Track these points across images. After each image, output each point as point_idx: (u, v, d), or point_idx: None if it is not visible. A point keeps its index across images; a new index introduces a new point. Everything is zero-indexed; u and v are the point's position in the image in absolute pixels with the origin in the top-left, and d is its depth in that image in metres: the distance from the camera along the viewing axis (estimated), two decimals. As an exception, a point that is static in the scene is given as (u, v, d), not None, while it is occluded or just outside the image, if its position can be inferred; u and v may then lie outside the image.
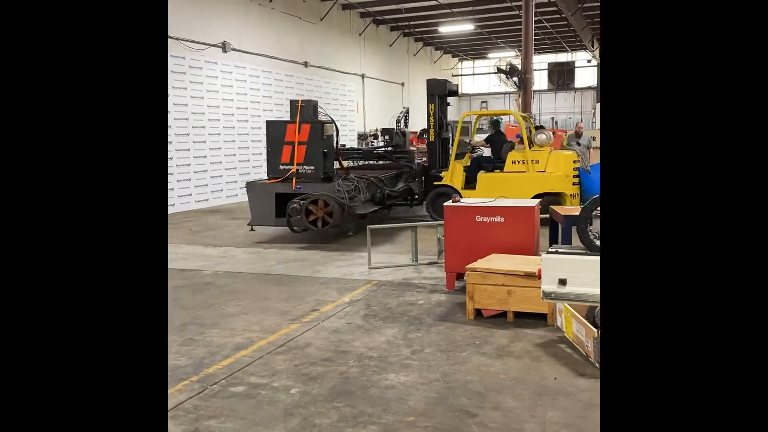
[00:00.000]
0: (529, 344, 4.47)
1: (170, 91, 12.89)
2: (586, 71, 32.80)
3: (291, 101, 9.04)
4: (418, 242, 7.59)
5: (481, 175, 10.18)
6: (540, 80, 32.52)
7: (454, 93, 11.52)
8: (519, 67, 13.28)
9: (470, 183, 10.24)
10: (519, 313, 4.97)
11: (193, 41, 13.73)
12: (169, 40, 12.96)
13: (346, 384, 3.84)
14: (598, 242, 2.30)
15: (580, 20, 22.02)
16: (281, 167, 8.64)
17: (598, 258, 2.23)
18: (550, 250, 2.43)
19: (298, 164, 8.56)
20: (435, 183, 10.52)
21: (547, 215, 6.95)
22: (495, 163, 10.44)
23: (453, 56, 32.49)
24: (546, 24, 23.59)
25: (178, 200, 13.51)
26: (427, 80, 11.01)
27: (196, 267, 7.58)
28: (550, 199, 9.41)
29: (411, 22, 23.74)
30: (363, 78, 22.50)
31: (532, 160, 9.92)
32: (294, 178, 8.54)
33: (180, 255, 8.35)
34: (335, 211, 8.28)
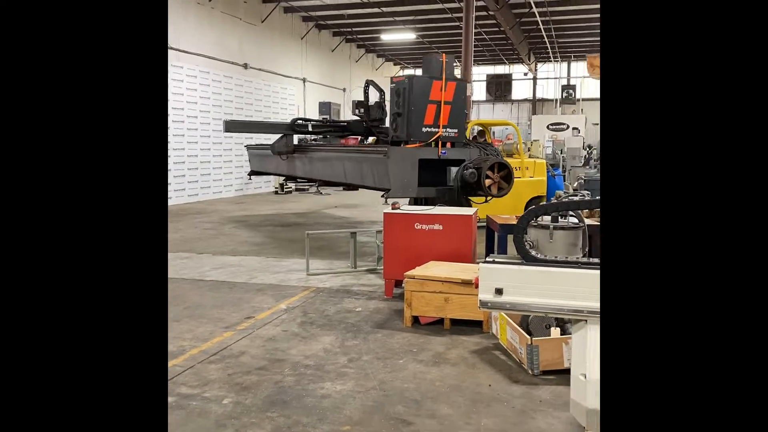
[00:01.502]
0: (465, 351, 4.51)
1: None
2: (523, 84, 33.80)
3: (427, 57, 7.65)
4: (359, 248, 7.57)
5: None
6: (479, 91, 33.28)
7: None
8: (459, 76, 13.50)
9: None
10: (456, 320, 5.02)
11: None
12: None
13: (280, 393, 3.75)
14: (533, 252, 2.33)
15: (518, 34, 22.68)
16: (424, 129, 7.22)
17: (533, 268, 2.28)
18: (487, 259, 2.45)
19: (443, 126, 7.29)
20: None
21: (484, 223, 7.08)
22: None
23: (395, 64, 32.76)
24: (485, 36, 24.16)
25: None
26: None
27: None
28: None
29: (353, 29, 23.79)
30: (304, 82, 22.34)
31: (526, 167, 10.52)
32: (440, 142, 7.30)
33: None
34: (510, 177, 7.50)
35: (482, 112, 33.81)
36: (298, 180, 11.23)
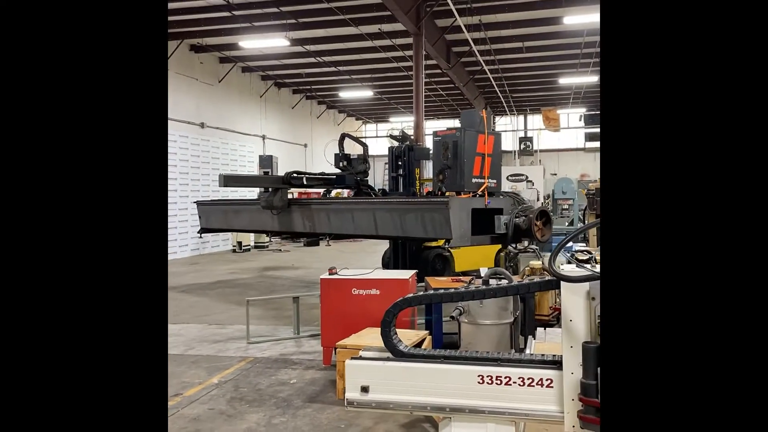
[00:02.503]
0: (394, 425, 4.37)
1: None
2: (483, 136, 34.53)
3: (467, 112, 8.09)
4: (309, 312, 7.42)
5: None
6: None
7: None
8: (411, 134, 13.70)
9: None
10: (389, 391, 4.89)
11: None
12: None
13: (191, 484, 3.54)
14: (401, 345, 2.27)
15: (473, 90, 23.32)
16: (474, 180, 7.50)
17: (397, 364, 2.22)
18: (355, 356, 2.37)
19: (488, 177, 7.66)
20: (426, 245, 10.35)
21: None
22: None
23: (356, 119, 33.26)
24: (441, 92, 24.78)
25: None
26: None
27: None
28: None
29: (312, 86, 24.16)
30: (264, 139, 22.44)
31: None
32: (486, 193, 7.61)
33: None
34: (550, 223, 7.71)
35: (444, 164, 34.27)
36: (286, 236, 11.28)
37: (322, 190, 10.24)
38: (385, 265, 11.25)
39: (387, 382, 2.10)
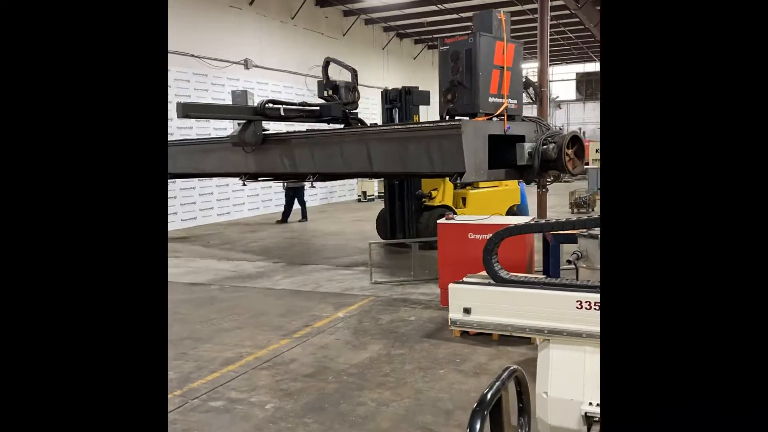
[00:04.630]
0: (508, 362, 4.52)
1: (192, 109, 13.28)
2: (616, 80, 32.36)
3: (480, 14, 6.35)
4: (430, 257, 7.71)
5: (471, 193, 10.00)
6: (567, 90, 32.29)
7: None
8: (535, 80, 13.25)
9: (455, 200, 9.94)
10: (504, 331, 5.04)
11: (215, 59, 14.15)
12: (191, 58, 13.43)
13: (320, 400, 3.96)
14: (503, 272, 2.38)
15: (605, 30, 21.79)
16: (491, 100, 5.92)
17: (498, 289, 2.33)
18: (459, 280, 2.53)
19: (507, 97, 6.12)
20: (426, 204, 9.51)
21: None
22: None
23: (480, 67, 32.54)
24: (570, 34, 23.46)
25: (200, 213, 13.89)
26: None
27: (205, 281, 7.82)
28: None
29: (434, 36, 23.91)
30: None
31: None
32: (505, 115, 6.05)
33: (191, 269, 8.63)
34: (583, 153, 6.43)
35: (572, 112, 32.77)
36: (263, 178, 9.20)
37: (304, 126, 8.29)
38: (380, 228, 10.17)
39: (488, 305, 2.25)
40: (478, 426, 1.40)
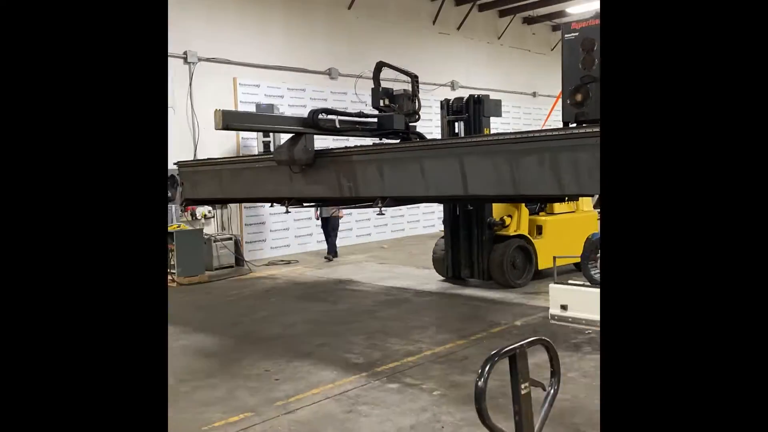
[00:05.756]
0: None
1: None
2: None
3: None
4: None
5: (548, 220, 8.59)
6: None
7: None
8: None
9: (529, 228, 8.54)
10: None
11: (423, 83, 15.27)
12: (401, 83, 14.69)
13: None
14: (597, 276, 2.66)
15: None
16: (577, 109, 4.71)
17: (588, 289, 2.57)
18: (558, 281, 2.86)
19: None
20: (498, 233, 8.15)
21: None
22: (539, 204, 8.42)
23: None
24: None
25: (408, 225, 15.06)
26: None
27: (404, 285, 8.69)
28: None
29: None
30: (598, 103, 21.99)
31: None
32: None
33: (394, 274, 9.63)
34: None
35: None
36: (315, 204, 7.57)
37: (361, 141, 6.83)
38: (439, 264, 8.70)
39: (582, 303, 2.55)
40: (487, 368, 1.95)
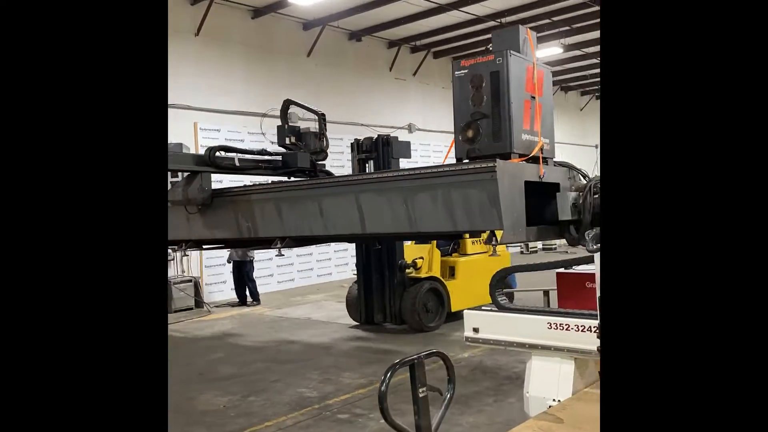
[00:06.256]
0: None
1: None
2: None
3: (499, 32, 4.78)
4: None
5: (461, 261, 8.58)
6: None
7: None
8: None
9: (442, 270, 8.50)
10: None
11: (381, 126, 15.84)
12: (360, 126, 15.24)
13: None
14: (504, 302, 3.10)
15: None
16: (524, 137, 4.55)
17: (495, 314, 2.98)
18: (471, 308, 3.33)
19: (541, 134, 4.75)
20: (411, 276, 8.04)
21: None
22: (451, 243, 8.43)
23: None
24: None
25: (335, 269, 15.35)
26: None
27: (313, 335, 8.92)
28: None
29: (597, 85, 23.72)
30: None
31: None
32: (540, 157, 4.65)
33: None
34: None
35: None
36: (206, 246, 7.17)
37: (263, 178, 6.48)
38: (352, 308, 8.55)
39: (491, 326, 2.94)
40: (388, 375, 2.29)
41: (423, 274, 8.03)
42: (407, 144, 7.86)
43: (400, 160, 7.98)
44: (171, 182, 6.03)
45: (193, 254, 11.42)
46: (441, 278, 8.16)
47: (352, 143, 8.32)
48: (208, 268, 11.93)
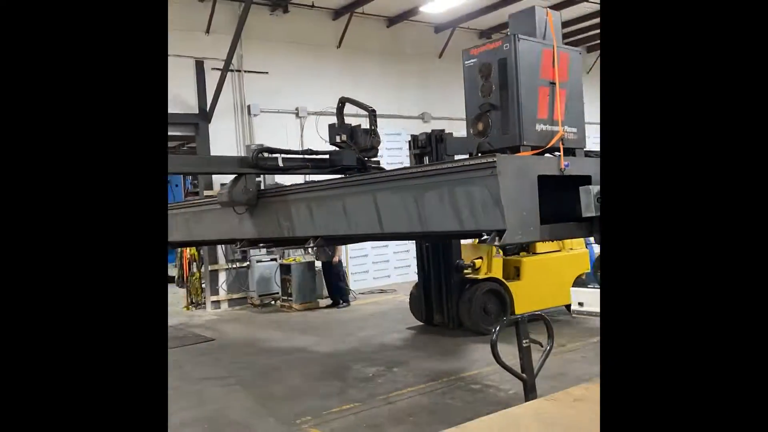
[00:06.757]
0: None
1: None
2: None
3: (518, 15, 4.52)
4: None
5: (526, 261, 7.96)
6: None
7: None
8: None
9: (506, 270, 8.00)
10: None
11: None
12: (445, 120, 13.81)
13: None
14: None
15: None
16: (539, 127, 4.18)
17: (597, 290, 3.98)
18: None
19: (563, 123, 4.35)
20: (467, 276, 7.65)
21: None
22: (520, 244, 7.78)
23: None
24: None
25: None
26: None
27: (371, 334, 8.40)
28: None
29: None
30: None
31: None
32: (562, 148, 4.20)
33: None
34: None
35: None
36: (262, 245, 7.38)
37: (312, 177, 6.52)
38: (414, 306, 8.36)
39: (594, 300, 3.65)
40: (497, 328, 3.47)
41: (482, 275, 7.67)
42: (462, 140, 7.05)
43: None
44: (221, 184, 6.45)
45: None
46: (503, 279, 7.74)
47: (408, 141, 8.17)
48: (352, 258, 12.38)
